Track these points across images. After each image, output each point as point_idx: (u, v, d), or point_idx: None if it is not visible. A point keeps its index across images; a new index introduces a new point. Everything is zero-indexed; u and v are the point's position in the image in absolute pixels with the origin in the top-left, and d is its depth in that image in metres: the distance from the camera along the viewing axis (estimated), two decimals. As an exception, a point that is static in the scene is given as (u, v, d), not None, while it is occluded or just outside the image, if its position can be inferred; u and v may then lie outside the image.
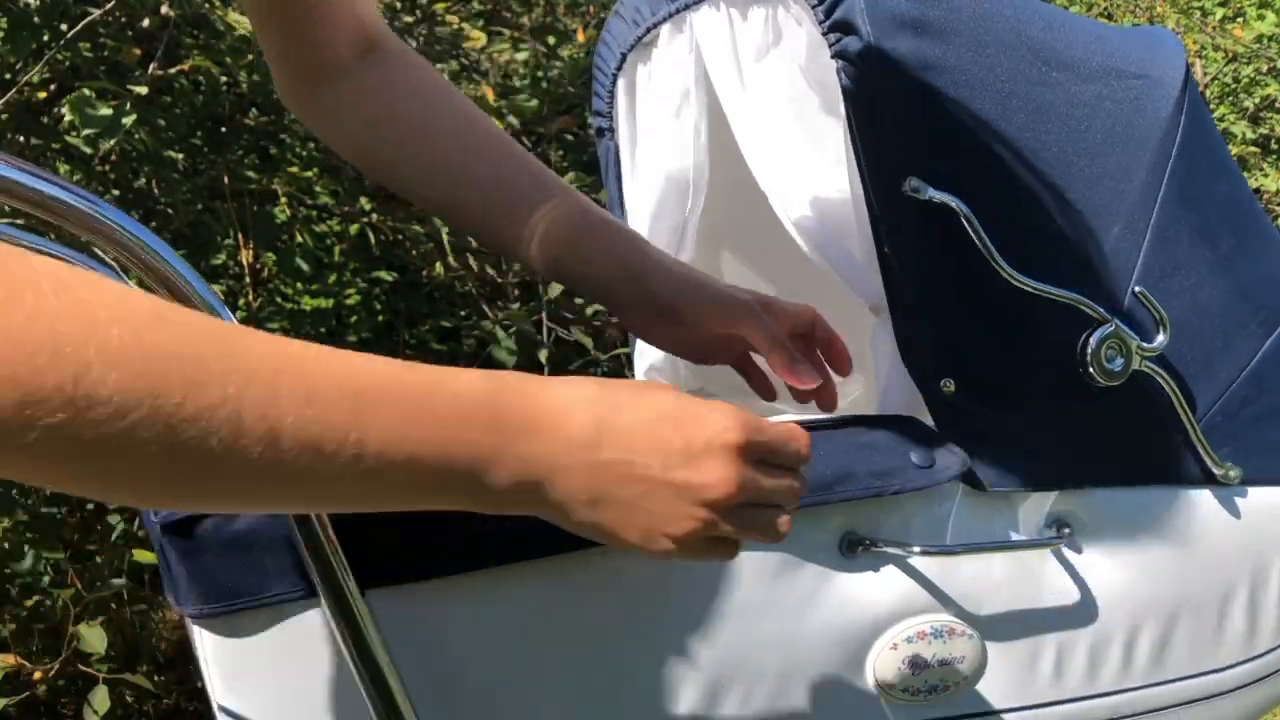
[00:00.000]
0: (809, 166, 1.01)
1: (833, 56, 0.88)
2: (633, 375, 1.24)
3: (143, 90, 2.06)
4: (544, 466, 0.65)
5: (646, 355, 1.19)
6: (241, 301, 2.39)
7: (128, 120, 2.06)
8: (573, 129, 2.66)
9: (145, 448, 0.51)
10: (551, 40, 2.93)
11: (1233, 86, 4.25)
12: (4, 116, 2.19)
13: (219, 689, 0.82)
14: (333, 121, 1.03)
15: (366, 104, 1.01)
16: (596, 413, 0.66)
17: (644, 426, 0.67)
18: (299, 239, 2.57)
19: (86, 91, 2.10)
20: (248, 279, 2.37)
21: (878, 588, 0.91)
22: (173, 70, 2.18)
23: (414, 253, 2.66)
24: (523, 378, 0.65)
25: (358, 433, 0.57)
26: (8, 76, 2.13)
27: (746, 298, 0.98)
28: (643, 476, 0.67)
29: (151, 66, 2.14)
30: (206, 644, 0.81)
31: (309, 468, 0.56)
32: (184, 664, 2.46)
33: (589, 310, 2.66)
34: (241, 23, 2.17)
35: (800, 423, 0.92)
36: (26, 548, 1.97)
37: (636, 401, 0.67)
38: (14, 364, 0.48)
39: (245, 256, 2.35)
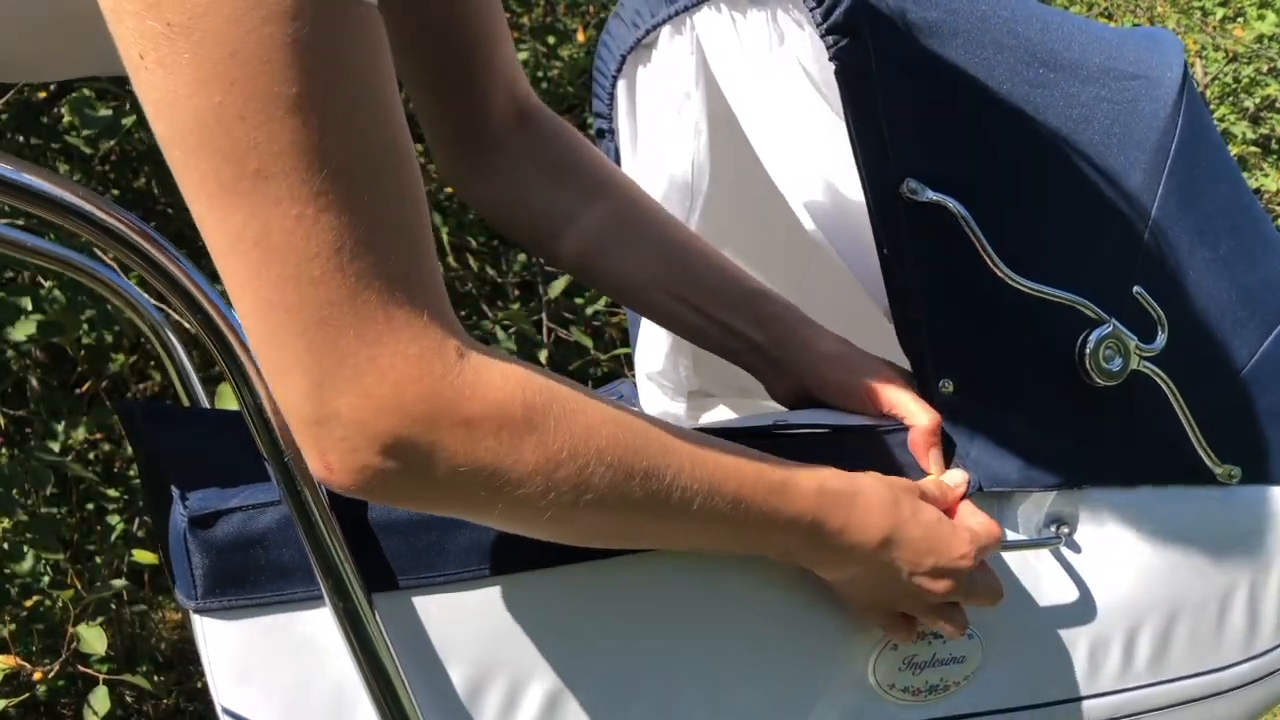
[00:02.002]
0: (825, 167, 1.01)
1: (831, 59, 0.89)
2: (633, 375, 1.24)
3: (143, 91, 2.06)
4: (833, 553, 0.85)
5: (647, 360, 1.19)
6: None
7: (128, 120, 2.06)
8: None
9: (614, 510, 0.75)
10: (551, 40, 2.93)
11: (1233, 86, 4.25)
12: (4, 116, 2.19)
13: (222, 690, 0.82)
14: (496, 188, 1.05)
15: (527, 166, 1.04)
16: (887, 532, 0.85)
17: (915, 542, 0.86)
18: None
19: (86, 91, 2.10)
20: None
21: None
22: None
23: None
24: (841, 490, 0.84)
25: (735, 514, 0.79)
26: (8, 77, 2.12)
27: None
28: (891, 576, 0.86)
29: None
30: (211, 643, 0.81)
31: (703, 526, 0.79)
32: (184, 664, 2.47)
33: (589, 310, 2.66)
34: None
35: (820, 427, 0.92)
36: (26, 548, 1.97)
37: (915, 518, 0.86)
38: (546, 460, 0.70)
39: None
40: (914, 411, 0.93)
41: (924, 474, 0.92)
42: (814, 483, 0.83)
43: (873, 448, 0.92)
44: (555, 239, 1.04)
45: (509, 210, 1.06)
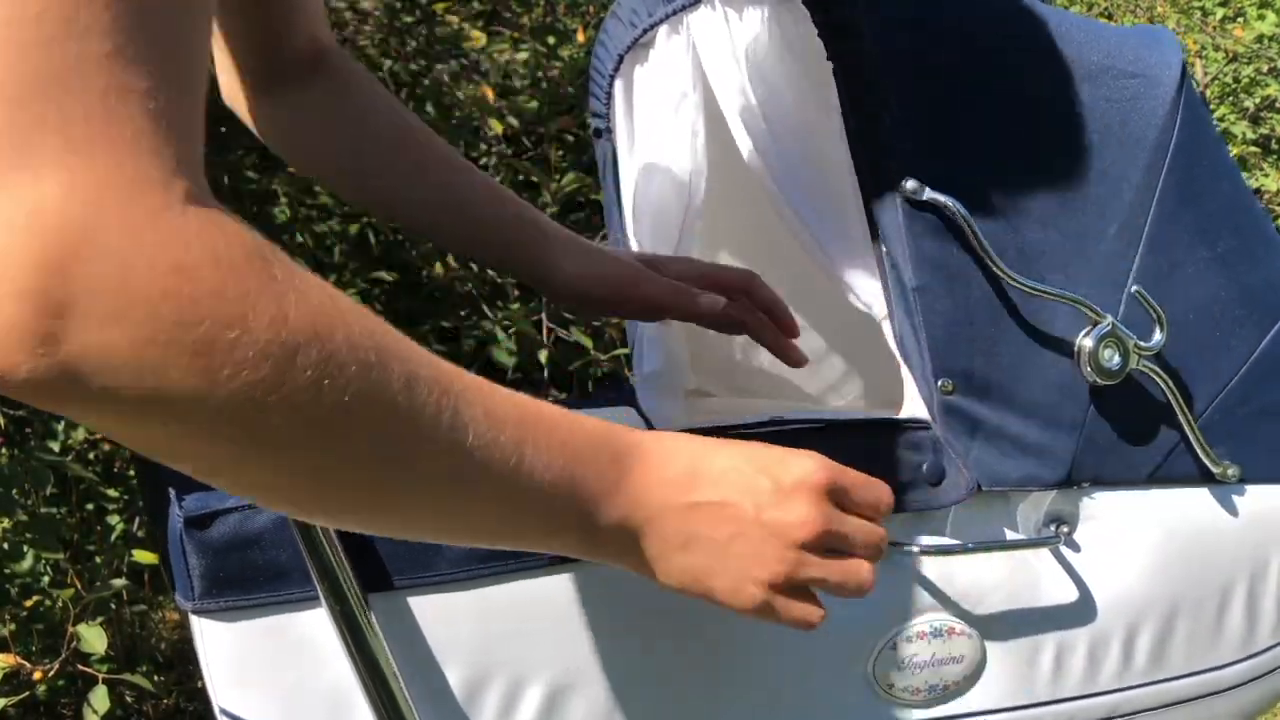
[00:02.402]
0: (811, 167, 1.01)
1: (829, 58, 0.88)
2: (633, 376, 1.24)
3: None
4: (644, 508, 0.70)
5: (647, 358, 1.19)
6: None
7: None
8: (572, 129, 2.66)
9: (365, 432, 0.56)
10: (551, 40, 2.93)
11: (1233, 86, 4.24)
12: (4, 117, 2.19)
13: (220, 691, 0.82)
14: (283, 126, 1.08)
15: (321, 111, 1.07)
16: (691, 458, 0.71)
17: (735, 471, 0.72)
18: (299, 239, 2.57)
19: (86, 92, 2.10)
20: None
21: (878, 588, 0.91)
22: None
23: (414, 253, 2.66)
24: (628, 429, 0.71)
25: (521, 447, 0.63)
26: (7, 77, 2.12)
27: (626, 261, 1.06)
28: (734, 517, 0.71)
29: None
30: (209, 644, 0.81)
31: (483, 473, 0.62)
32: (184, 664, 2.46)
33: (589, 310, 2.65)
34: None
35: (814, 421, 0.92)
36: (26, 548, 1.97)
37: (728, 449, 0.73)
38: (284, 335, 0.52)
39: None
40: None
41: (929, 478, 0.91)
42: (595, 420, 0.70)
43: (867, 441, 0.92)
44: (331, 171, 1.10)
45: (289, 148, 1.11)
